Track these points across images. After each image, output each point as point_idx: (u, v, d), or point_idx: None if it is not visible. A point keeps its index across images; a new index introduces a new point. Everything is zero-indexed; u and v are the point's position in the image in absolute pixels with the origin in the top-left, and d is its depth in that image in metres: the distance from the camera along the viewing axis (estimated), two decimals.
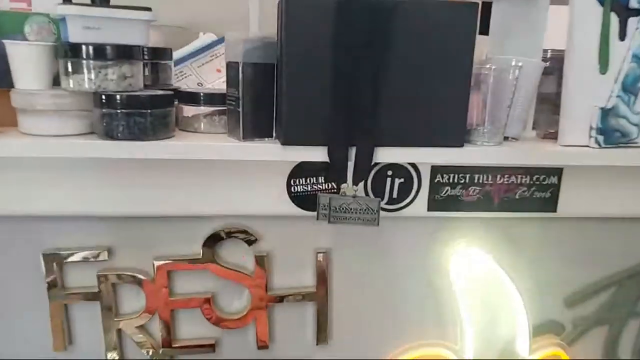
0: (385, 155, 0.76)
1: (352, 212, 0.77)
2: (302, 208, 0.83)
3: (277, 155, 0.73)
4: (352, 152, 0.74)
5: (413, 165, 0.85)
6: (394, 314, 0.94)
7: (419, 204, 0.87)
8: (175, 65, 1.01)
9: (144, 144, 0.72)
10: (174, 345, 0.90)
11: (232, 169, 0.81)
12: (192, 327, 0.90)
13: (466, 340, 0.95)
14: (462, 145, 0.77)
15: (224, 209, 0.83)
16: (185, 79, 1.00)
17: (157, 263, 0.85)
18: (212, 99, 0.81)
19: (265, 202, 0.83)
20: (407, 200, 0.87)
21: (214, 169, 0.81)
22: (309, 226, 0.85)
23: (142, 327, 0.89)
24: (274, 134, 0.76)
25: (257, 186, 0.82)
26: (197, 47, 0.99)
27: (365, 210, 0.76)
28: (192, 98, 0.82)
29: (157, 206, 0.82)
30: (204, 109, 0.81)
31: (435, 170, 0.86)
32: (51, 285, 0.84)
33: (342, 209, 0.76)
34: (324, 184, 0.83)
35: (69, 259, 0.83)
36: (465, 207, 0.88)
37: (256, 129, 0.75)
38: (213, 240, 0.86)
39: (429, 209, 0.87)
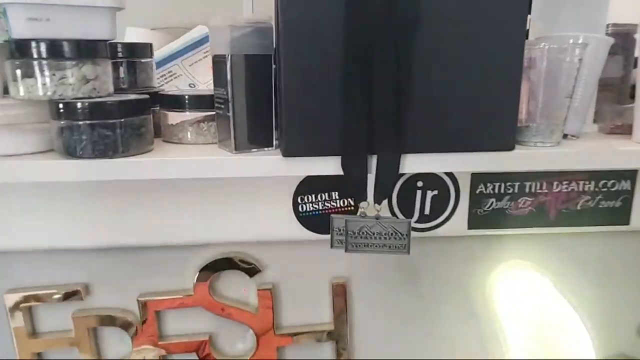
0: (414, 164, 0.60)
1: (375, 238, 0.61)
2: (313, 231, 0.68)
3: (277, 170, 0.58)
4: (372, 161, 0.58)
5: (449, 173, 0.69)
6: (428, 353, 0.78)
7: (458, 221, 0.71)
8: (162, 65, 0.86)
9: (113, 163, 0.58)
10: None
11: (227, 187, 0.66)
12: None
13: None
14: (512, 149, 0.61)
15: (219, 236, 0.68)
16: (175, 79, 0.86)
17: (142, 301, 0.71)
18: (199, 102, 0.66)
19: (268, 226, 0.68)
20: (443, 217, 0.71)
21: (207, 188, 0.66)
22: (323, 252, 0.70)
23: None
24: (274, 143, 0.61)
25: (258, 207, 0.68)
26: (187, 43, 0.85)
27: (391, 234, 0.61)
28: (175, 102, 0.67)
29: (140, 235, 0.67)
30: (189, 115, 0.66)
31: (477, 178, 0.70)
32: (18, 331, 0.71)
33: (363, 233, 0.61)
34: (338, 201, 0.68)
35: (39, 300, 0.70)
36: (515, 223, 0.72)
37: (251, 138, 0.60)
38: (207, 273, 0.71)
39: (470, 227, 0.71)
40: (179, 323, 0.74)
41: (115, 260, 0.71)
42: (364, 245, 0.61)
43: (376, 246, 0.61)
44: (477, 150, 0.60)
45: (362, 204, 0.60)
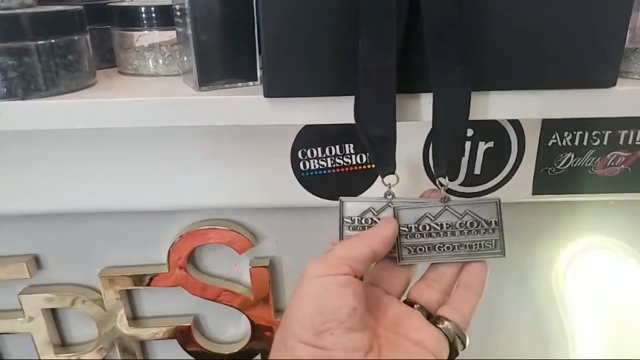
0: (479, 107, 0.39)
1: (441, 234, 0.38)
2: (319, 195, 0.51)
3: (256, 116, 0.39)
4: (406, 105, 0.39)
5: (512, 120, 0.49)
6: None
7: (519, 184, 0.52)
8: None
9: (26, 105, 0.40)
10: None
11: (208, 137, 0.49)
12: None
13: None
14: (613, 84, 0.40)
15: (200, 200, 0.52)
16: None
17: (104, 278, 0.56)
18: (161, 17, 0.47)
19: (261, 188, 0.51)
20: (499, 178, 0.52)
21: (184, 140, 0.49)
22: (330, 220, 0.52)
23: None
24: (258, 75, 0.42)
25: (246, 163, 0.50)
26: None
27: (471, 225, 0.38)
28: (128, 17, 0.48)
29: (101, 198, 0.51)
30: (148, 36, 0.48)
31: (550, 125, 0.50)
32: None
33: (419, 228, 0.38)
34: (354, 157, 0.49)
35: None
36: (599, 187, 0.52)
37: (223, 68, 0.41)
38: (185, 245, 0.55)
39: (535, 191, 0.52)
40: (157, 303, 0.60)
41: (72, 228, 0.55)
42: (426, 249, 0.38)
43: (447, 248, 0.38)
44: (564, 87, 0.39)
45: (388, 178, 0.39)
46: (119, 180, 0.50)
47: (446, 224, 0.38)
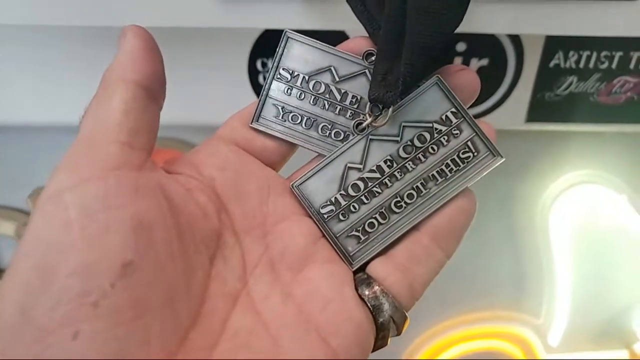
0: (472, 19, 0.32)
1: (380, 184, 0.24)
2: None
3: (204, 17, 0.31)
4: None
5: (512, 35, 0.41)
6: (448, 273, 0.59)
7: (512, 109, 0.45)
8: None
9: None
10: None
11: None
12: None
13: (557, 309, 0.59)
14: None
15: None
16: None
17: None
18: None
19: (212, 104, 0.43)
20: (491, 102, 0.45)
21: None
22: None
23: None
24: None
25: (195, 75, 0.42)
26: None
27: (420, 142, 0.23)
28: None
29: (30, 110, 0.43)
30: None
31: (553, 44, 0.42)
32: None
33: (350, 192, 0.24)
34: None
35: None
36: (600, 116, 0.46)
37: None
38: None
39: (529, 118, 0.46)
40: None
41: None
42: (377, 221, 0.24)
43: (406, 202, 0.23)
44: None
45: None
46: (52, 88, 0.42)
47: (386, 161, 0.23)
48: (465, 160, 0.23)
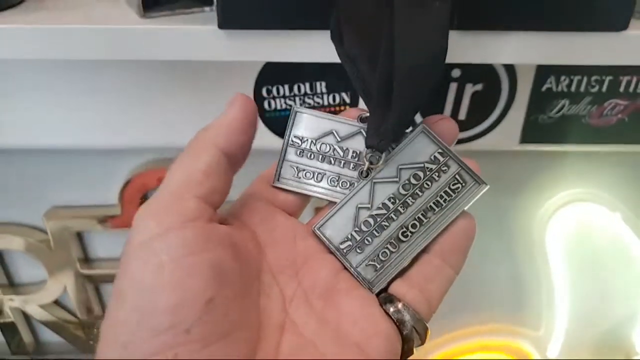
0: (463, 49, 0.34)
1: (391, 214, 0.26)
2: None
3: (209, 50, 0.33)
4: None
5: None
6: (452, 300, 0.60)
7: (507, 131, 0.47)
8: None
9: None
10: None
11: (163, 70, 0.42)
12: None
13: (556, 322, 0.60)
14: (624, 28, 0.34)
15: (152, 138, 0.46)
16: None
17: (50, 218, 0.52)
18: None
19: None
20: (486, 125, 0.47)
21: (136, 73, 0.42)
22: None
23: (54, 304, 0.58)
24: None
25: (203, 100, 0.44)
26: None
27: (415, 179, 0.26)
28: None
29: (45, 135, 0.45)
30: None
31: (545, 69, 0.44)
32: None
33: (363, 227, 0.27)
34: (326, 97, 0.44)
35: None
36: (592, 137, 0.48)
37: None
38: (137, 186, 0.50)
39: (523, 139, 0.48)
40: (109, 245, 0.56)
41: (14, 165, 0.50)
42: (395, 241, 0.26)
43: (413, 227, 0.26)
44: (567, 29, 0.33)
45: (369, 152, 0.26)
46: (67, 114, 0.44)
47: (389, 199, 0.26)
48: (456, 191, 0.26)
